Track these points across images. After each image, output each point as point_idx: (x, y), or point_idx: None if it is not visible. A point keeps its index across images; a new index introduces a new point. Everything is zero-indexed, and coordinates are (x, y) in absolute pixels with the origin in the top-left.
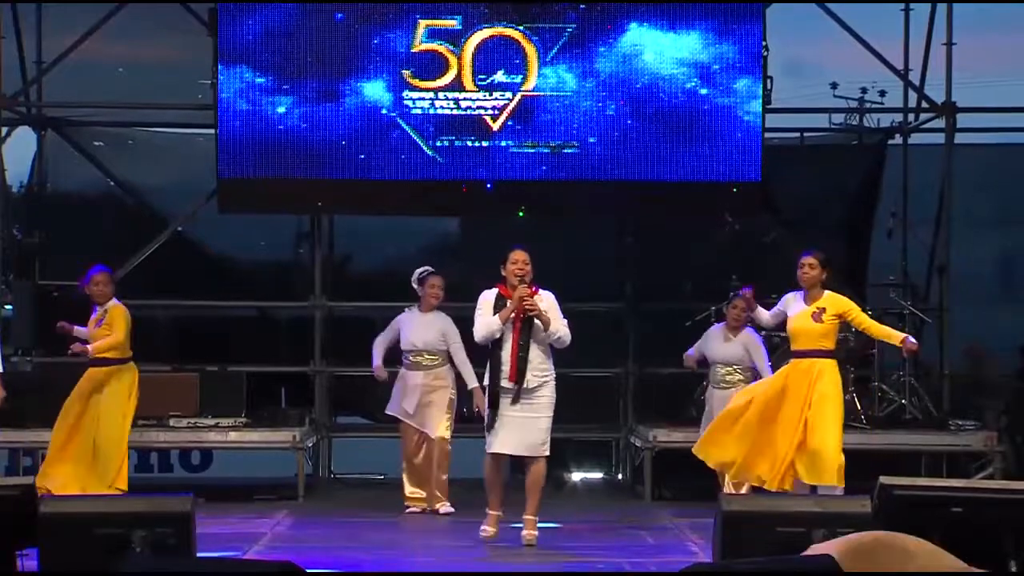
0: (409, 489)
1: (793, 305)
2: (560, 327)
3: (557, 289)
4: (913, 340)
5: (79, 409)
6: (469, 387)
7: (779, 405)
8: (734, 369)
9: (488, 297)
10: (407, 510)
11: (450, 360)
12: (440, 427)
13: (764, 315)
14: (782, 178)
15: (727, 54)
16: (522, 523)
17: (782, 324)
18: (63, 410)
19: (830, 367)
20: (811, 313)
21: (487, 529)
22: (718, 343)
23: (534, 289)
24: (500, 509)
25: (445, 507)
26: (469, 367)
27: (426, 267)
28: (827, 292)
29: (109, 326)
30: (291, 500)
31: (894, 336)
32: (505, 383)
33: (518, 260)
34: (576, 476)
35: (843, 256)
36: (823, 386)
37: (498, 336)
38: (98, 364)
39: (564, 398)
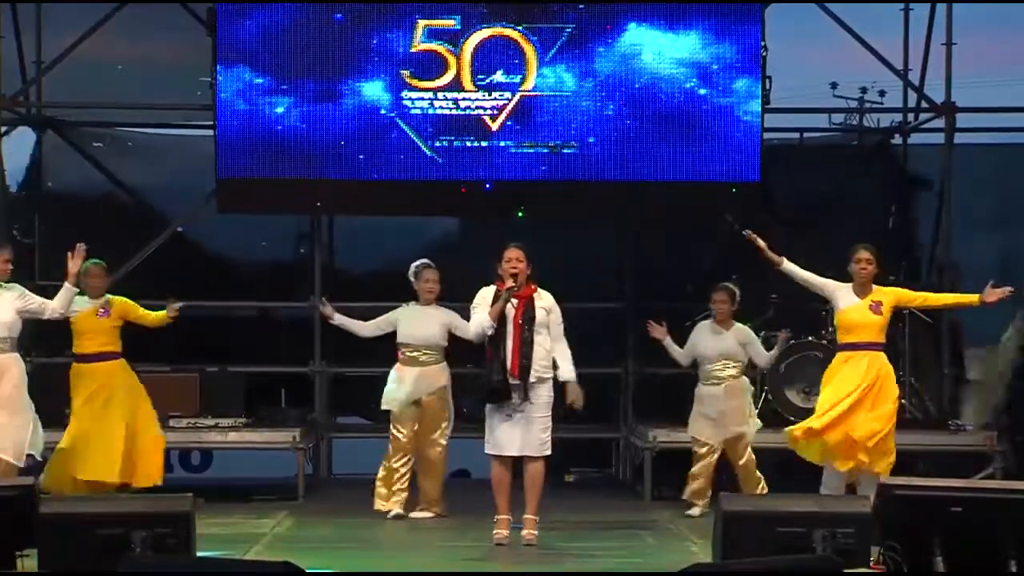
0: (380, 501)
1: (843, 297)
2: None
3: (557, 289)
4: (994, 292)
5: (102, 404)
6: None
7: (856, 394)
8: (725, 364)
9: (485, 294)
10: (389, 515)
11: (446, 358)
12: (440, 430)
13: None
14: (781, 178)
15: (726, 54)
16: (522, 523)
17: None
18: (83, 409)
19: (887, 360)
20: (868, 305)
21: (500, 532)
22: (708, 338)
23: (532, 287)
24: (509, 512)
25: (426, 513)
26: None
27: (422, 260)
28: (875, 286)
29: (122, 316)
30: (291, 500)
31: (964, 299)
32: (510, 379)
33: (511, 258)
34: (576, 476)
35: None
36: (890, 381)
37: (491, 332)
38: (102, 359)
39: (563, 397)
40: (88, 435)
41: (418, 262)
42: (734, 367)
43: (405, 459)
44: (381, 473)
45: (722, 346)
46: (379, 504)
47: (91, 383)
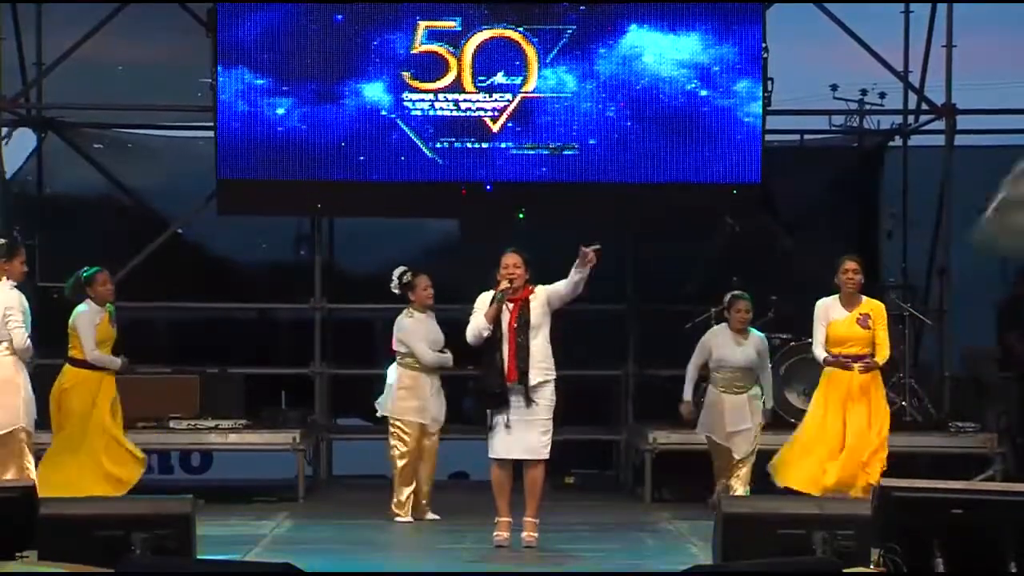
0: (400, 502)
1: (832, 311)
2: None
3: None
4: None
5: (111, 410)
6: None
7: (844, 415)
8: (744, 373)
9: (485, 298)
10: (397, 519)
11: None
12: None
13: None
14: (782, 180)
15: (727, 56)
16: (522, 525)
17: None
18: (85, 417)
19: (878, 374)
20: (856, 319)
21: (500, 534)
22: (729, 347)
23: (529, 289)
24: (510, 515)
25: (430, 515)
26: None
27: (403, 268)
28: (864, 297)
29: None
30: (291, 502)
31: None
32: (507, 384)
33: (508, 264)
34: (576, 478)
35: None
36: (878, 393)
37: (487, 335)
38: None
39: (564, 399)
40: (110, 444)
41: (402, 270)
42: (751, 377)
43: (409, 462)
44: (400, 479)
45: (745, 357)
46: (397, 511)
47: (105, 390)
